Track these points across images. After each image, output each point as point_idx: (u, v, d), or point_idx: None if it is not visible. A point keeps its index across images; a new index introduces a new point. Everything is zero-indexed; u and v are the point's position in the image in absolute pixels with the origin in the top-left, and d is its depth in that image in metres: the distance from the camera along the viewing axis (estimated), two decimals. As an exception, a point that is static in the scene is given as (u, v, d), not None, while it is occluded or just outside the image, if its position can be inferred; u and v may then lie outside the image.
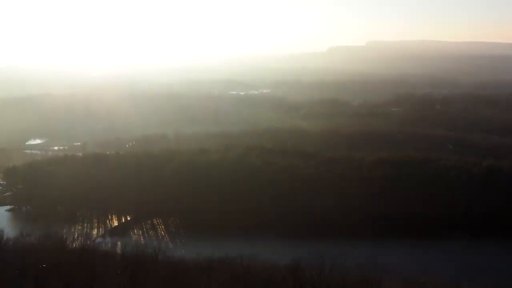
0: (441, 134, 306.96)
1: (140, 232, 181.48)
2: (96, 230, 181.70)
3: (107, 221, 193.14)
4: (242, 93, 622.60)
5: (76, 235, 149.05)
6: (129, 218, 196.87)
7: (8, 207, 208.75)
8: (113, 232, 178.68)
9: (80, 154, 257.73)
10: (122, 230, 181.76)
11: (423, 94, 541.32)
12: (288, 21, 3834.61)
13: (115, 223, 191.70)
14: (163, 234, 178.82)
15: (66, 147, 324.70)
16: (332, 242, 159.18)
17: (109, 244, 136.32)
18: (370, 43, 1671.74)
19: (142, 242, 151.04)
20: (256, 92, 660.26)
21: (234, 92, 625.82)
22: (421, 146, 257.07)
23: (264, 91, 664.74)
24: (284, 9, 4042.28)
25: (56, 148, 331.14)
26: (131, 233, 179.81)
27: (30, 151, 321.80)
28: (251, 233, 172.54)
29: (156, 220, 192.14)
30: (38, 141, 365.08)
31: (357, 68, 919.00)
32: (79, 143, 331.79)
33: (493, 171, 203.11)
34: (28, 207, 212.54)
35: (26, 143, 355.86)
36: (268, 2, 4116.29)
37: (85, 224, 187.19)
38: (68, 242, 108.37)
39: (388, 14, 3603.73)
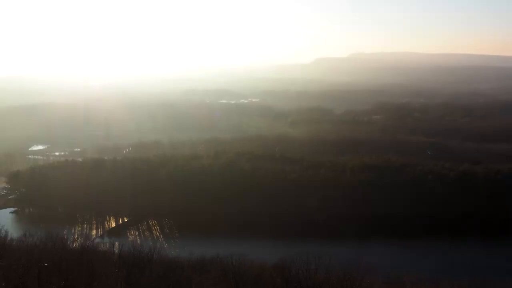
0: (420, 140, 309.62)
1: (137, 232, 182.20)
2: (95, 231, 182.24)
3: (105, 223, 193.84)
4: (233, 102, 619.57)
5: (76, 236, 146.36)
6: (126, 220, 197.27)
7: (12, 209, 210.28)
8: (111, 232, 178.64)
9: (80, 160, 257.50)
10: (119, 231, 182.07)
11: (402, 103, 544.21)
12: (276, 34, 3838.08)
13: (113, 225, 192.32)
14: (158, 234, 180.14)
15: (66, 153, 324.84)
16: (318, 242, 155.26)
17: (107, 244, 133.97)
18: (353, 55, 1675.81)
19: (138, 242, 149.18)
20: (245, 101, 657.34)
21: (225, 101, 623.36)
22: (401, 152, 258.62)
23: (253, 100, 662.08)
24: (272, 23, 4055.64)
25: (57, 153, 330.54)
26: (128, 233, 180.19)
27: (32, 157, 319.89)
28: (241, 233, 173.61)
29: (152, 222, 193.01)
30: (40, 147, 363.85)
31: (340, 79, 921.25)
32: (79, 149, 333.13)
33: (469, 175, 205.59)
34: (31, 209, 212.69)
35: (29, 149, 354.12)
36: (258, 17, 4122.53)
37: (85, 225, 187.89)
38: (68, 242, 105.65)
39: (370, 27, 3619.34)
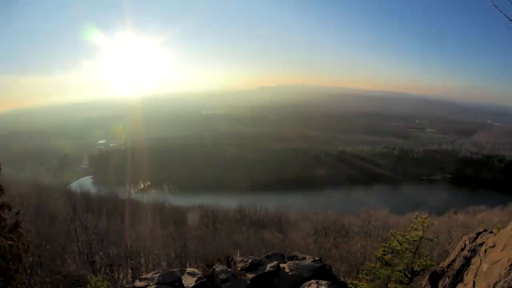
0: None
1: (155, 190, 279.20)
2: (134, 189, 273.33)
3: (139, 185, 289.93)
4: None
5: (124, 192, 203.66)
6: (148, 183, 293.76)
7: (91, 176, 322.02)
8: (142, 190, 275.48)
9: (124, 148, 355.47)
10: (146, 189, 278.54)
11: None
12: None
13: (142, 186, 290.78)
14: (168, 191, 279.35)
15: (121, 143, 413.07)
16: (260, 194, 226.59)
17: (141, 196, 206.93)
18: (280, 85, 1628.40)
19: (157, 195, 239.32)
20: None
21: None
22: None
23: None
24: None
25: (111, 145, 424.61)
26: (151, 191, 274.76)
27: (100, 147, 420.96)
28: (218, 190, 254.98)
29: (165, 185, 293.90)
30: (103, 141, 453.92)
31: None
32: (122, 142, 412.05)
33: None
34: (101, 177, 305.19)
35: (98, 142, 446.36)
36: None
37: (129, 186, 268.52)
38: (120, 195, 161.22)
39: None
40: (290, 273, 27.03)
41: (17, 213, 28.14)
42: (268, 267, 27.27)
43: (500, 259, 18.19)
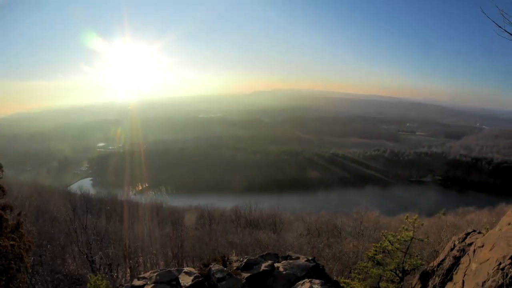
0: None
1: (153, 192, 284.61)
2: (132, 190, 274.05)
3: (137, 186, 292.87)
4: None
5: (122, 193, 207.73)
6: (146, 185, 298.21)
7: (90, 178, 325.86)
8: (140, 191, 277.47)
9: (122, 151, 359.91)
10: (144, 191, 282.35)
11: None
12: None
13: (140, 188, 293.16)
14: (165, 193, 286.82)
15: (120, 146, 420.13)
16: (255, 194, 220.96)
17: (138, 197, 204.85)
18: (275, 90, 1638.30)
19: (154, 196, 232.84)
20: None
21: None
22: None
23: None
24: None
25: (110, 148, 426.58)
26: (148, 192, 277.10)
27: (99, 149, 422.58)
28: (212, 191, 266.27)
29: (162, 187, 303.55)
30: (102, 144, 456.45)
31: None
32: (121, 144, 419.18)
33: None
34: (100, 178, 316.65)
35: (97, 145, 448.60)
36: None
37: (127, 187, 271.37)
38: (119, 196, 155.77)
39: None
40: (284, 272, 27.01)
41: (19, 214, 27.99)
42: (263, 266, 27.25)
43: (488, 259, 18.22)
